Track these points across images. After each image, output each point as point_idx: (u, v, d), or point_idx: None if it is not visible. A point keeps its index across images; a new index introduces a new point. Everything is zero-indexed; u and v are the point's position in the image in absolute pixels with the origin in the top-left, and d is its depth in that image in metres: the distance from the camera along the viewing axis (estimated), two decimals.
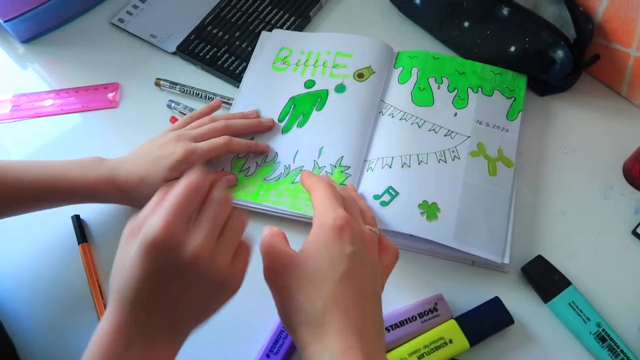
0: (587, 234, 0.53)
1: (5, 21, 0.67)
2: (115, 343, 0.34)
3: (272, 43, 0.65)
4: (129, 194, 0.52)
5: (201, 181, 0.36)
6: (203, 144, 0.53)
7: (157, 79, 0.65)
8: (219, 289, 0.36)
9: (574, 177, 0.57)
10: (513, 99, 0.59)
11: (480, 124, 0.58)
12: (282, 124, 0.59)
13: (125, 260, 0.35)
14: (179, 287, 0.35)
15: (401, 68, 0.62)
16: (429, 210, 0.52)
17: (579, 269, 0.51)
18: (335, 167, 0.56)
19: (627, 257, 0.52)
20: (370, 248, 0.41)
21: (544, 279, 0.49)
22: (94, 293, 0.52)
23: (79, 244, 0.55)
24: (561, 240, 0.53)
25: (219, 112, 0.60)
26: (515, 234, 0.53)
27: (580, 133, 0.59)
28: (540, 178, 0.57)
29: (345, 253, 0.39)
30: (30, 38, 0.71)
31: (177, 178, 0.40)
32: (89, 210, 0.57)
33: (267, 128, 0.59)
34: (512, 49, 0.59)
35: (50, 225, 0.56)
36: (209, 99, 0.64)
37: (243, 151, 0.57)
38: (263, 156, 0.57)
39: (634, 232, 0.53)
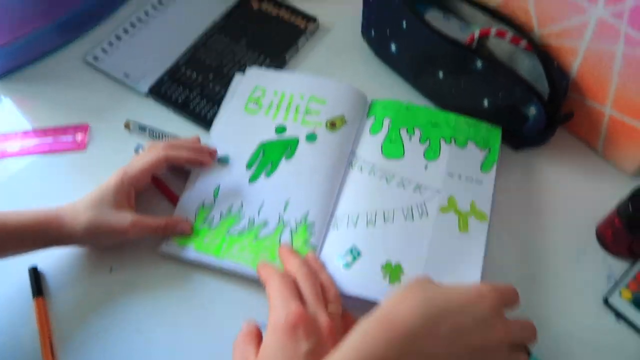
0: (557, 300, 0.51)
1: None
2: None
3: (246, 82, 0.64)
4: (80, 223, 0.50)
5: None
6: (137, 159, 0.54)
7: (127, 121, 0.64)
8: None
9: (546, 237, 0.55)
10: (488, 150, 0.58)
11: (452, 176, 0.56)
12: (250, 171, 0.58)
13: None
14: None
15: (373, 118, 0.61)
16: (392, 272, 0.50)
17: (545, 337, 0.49)
18: (300, 223, 0.54)
19: (597, 327, 0.50)
20: (330, 337, 0.40)
21: None
22: (43, 351, 0.50)
23: (33, 297, 0.53)
24: (528, 306, 0.51)
25: None
26: None
27: (555, 190, 0.58)
28: (511, 236, 0.55)
29: (301, 352, 0.38)
30: (2, 74, 0.70)
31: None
32: (48, 262, 0.55)
33: (202, 164, 0.58)
34: (485, 102, 0.57)
35: (6, 276, 0.55)
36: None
37: (182, 162, 0.56)
38: (228, 205, 0.56)
39: (606, 301, 0.51)
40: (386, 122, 0.60)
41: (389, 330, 0.36)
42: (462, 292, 0.39)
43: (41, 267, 0.55)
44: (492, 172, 0.57)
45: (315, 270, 0.47)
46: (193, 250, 0.54)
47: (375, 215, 0.54)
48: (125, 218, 0.51)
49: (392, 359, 0.35)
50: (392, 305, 0.38)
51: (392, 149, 0.58)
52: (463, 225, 0.53)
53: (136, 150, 0.62)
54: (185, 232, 0.54)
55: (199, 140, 0.60)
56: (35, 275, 0.54)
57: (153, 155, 0.54)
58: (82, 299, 0.54)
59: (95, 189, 0.53)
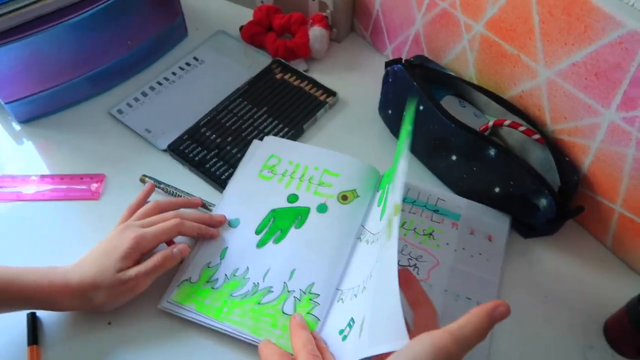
0: None
1: (6, 103, 0.69)
2: None
3: (262, 150, 0.66)
4: (85, 296, 0.50)
5: None
6: (152, 228, 0.54)
7: (143, 175, 0.65)
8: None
9: (552, 330, 0.54)
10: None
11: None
12: (259, 237, 0.58)
13: None
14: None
15: (381, 190, 0.62)
16: None
17: None
18: (304, 293, 0.54)
19: None
20: None
21: None
22: None
23: (28, 345, 0.52)
24: None
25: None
26: None
27: (562, 282, 0.57)
28: (517, 326, 0.54)
29: None
30: (28, 119, 0.72)
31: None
32: None
33: (219, 223, 0.59)
34: (497, 189, 0.59)
35: (4, 319, 0.54)
36: None
37: (194, 234, 0.57)
38: (233, 268, 0.56)
39: None
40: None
41: None
42: None
43: (40, 314, 0.54)
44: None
45: (320, 349, 0.47)
46: (193, 311, 0.53)
47: (370, 278, 0.53)
48: (126, 276, 0.51)
49: None
50: None
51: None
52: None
53: (142, 181, 0.65)
54: (183, 254, 0.54)
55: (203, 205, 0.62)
56: (33, 322, 0.53)
57: (168, 226, 0.55)
58: (77, 351, 0.52)
59: (104, 252, 0.52)
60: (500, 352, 0.52)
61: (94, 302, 0.51)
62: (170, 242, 0.59)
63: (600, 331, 0.54)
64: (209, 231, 0.58)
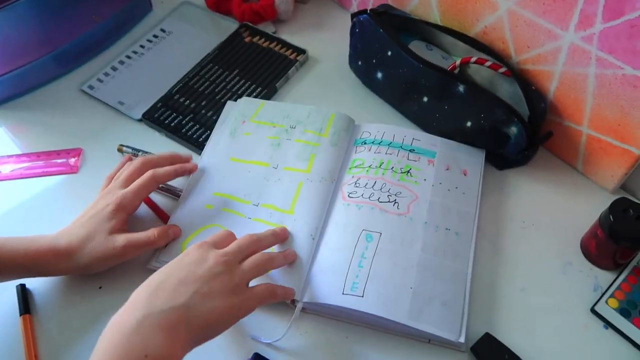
0: (546, 311, 0.52)
1: None
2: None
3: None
4: (73, 258, 0.51)
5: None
6: (131, 186, 0.55)
7: (120, 145, 0.65)
8: (231, 295, 0.44)
9: (532, 252, 0.56)
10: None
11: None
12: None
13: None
14: (199, 276, 0.43)
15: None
16: None
17: (536, 349, 0.49)
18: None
19: (585, 336, 0.51)
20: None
21: (494, 358, 0.48)
22: None
23: (20, 315, 0.52)
24: (518, 318, 0.52)
25: None
26: (472, 311, 0.51)
27: (538, 207, 0.59)
28: (498, 252, 0.56)
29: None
30: None
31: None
32: (36, 279, 0.55)
33: (190, 157, 0.61)
34: (469, 124, 0.60)
35: None
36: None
37: (171, 177, 0.58)
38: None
39: (593, 310, 0.52)
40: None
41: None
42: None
43: (29, 284, 0.55)
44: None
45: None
46: None
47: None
48: (117, 242, 0.52)
49: None
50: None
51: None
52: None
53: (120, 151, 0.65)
54: (177, 235, 0.55)
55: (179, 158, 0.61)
56: (23, 293, 0.53)
57: (144, 179, 0.55)
58: (70, 317, 0.53)
59: (90, 216, 0.53)
60: (482, 275, 0.54)
61: (82, 265, 0.51)
62: (155, 207, 0.60)
63: (578, 248, 0.56)
64: (185, 167, 0.58)
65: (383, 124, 0.64)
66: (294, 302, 0.51)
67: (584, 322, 0.51)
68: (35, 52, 0.70)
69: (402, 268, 0.52)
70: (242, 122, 0.65)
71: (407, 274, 0.52)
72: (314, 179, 0.59)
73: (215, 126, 0.66)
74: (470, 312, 0.51)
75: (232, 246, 0.48)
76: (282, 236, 0.53)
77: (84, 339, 0.51)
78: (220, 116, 0.66)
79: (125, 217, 0.54)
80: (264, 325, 0.52)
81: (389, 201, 0.57)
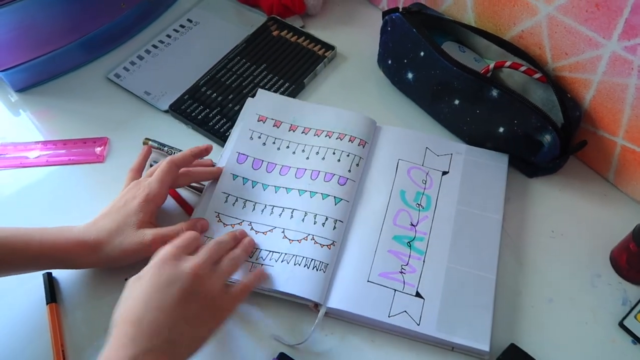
0: (573, 324, 0.52)
1: (1, 71, 0.68)
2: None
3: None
4: (101, 251, 0.51)
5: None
6: (154, 175, 0.55)
7: (146, 139, 0.65)
8: (211, 309, 0.44)
9: (560, 263, 0.56)
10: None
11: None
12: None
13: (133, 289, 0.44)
14: (176, 299, 0.43)
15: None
16: None
17: None
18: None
19: (613, 350, 0.50)
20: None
21: None
22: (55, 356, 0.49)
23: (47, 303, 0.52)
24: (545, 330, 0.51)
25: None
26: (498, 320, 0.51)
27: (567, 217, 0.59)
28: (526, 261, 0.56)
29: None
30: (24, 87, 0.71)
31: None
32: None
33: (205, 150, 0.59)
34: (501, 129, 0.59)
35: (21, 281, 0.54)
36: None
37: (189, 162, 0.57)
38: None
39: (621, 324, 0.51)
40: None
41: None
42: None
43: (56, 274, 0.55)
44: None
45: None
46: None
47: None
48: (146, 236, 0.51)
49: None
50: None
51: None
52: None
53: (151, 165, 0.63)
54: (205, 228, 0.55)
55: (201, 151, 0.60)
56: (50, 281, 0.54)
57: (163, 164, 0.55)
58: (96, 307, 0.53)
59: (117, 208, 0.53)
60: (510, 284, 0.54)
61: (110, 258, 0.51)
62: (182, 201, 0.59)
63: (607, 261, 0.55)
64: (199, 147, 0.58)
65: (402, 128, 0.63)
66: (317, 306, 0.51)
67: (612, 336, 0.51)
68: (63, 38, 0.70)
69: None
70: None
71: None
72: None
73: (236, 123, 0.65)
74: (495, 322, 0.51)
75: (202, 255, 0.47)
76: (240, 239, 0.53)
77: (110, 329, 0.51)
78: (241, 113, 0.66)
79: (153, 209, 0.53)
80: (287, 327, 0.52)
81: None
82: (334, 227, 0.55)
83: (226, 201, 0.57)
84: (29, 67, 0.69)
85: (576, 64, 0.56)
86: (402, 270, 0.53)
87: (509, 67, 0.61)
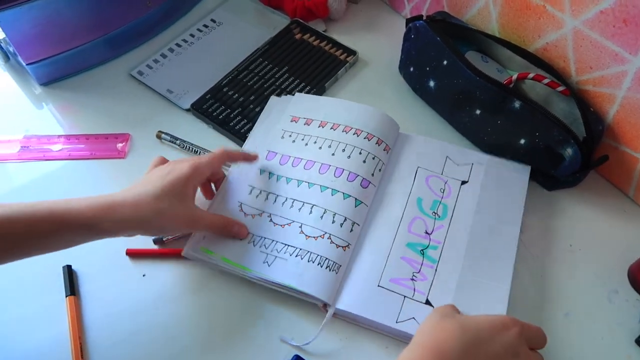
0: (589, 339, 0.51)
1: (27, 64, 0.69)
2: None
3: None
4: (140, 210, 0.48)
5: None
6: (205, 156, 0.55)
7: (159, 131, 0.66)
8: None
9: (578, 277, 0.55)
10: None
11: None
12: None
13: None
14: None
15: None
16: None
17: None
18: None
19: None
20: None
21: None
22: (73, 350, 0.50)
23: (66, 296, 0.53)
24: (561, 343, 0.51)
25: None
26: None
27: (586, 231, 0.58)
28: (543, 274, 0.56)
29: None
30: (49, 81, 0.72)
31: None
32: (82, 263, 0.56)
33: (253, 158, 0.60)
34: (522, 141, 0.59)
35: (41, 273, 0.55)
36: None
37: (239, 159, 0.59)
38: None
39: (638, 341, 0.51)
40: None
41: (438, 358, 0.41)
42: (489, 321, 0.44)
43: (75, 267, 0.55)
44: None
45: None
46: (220, 260, 0.54)
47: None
48: (191, 210, 0.51)
49: None
50: (435, 334, 0.43)
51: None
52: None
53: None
54: (241, 235, 0.55)
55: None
56: (70, 274, 0.54)
57: (217, 151, 0.56)
58: (114, 301, 0.54)
59: (161, 174, 0.51)
60: (525, 297, 0.54)
61: (145, 223, 0.48)
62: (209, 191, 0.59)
63: (625, 277, 0.55)
64: (250, 155, 0.60)
65: (424, 136, 0.64)
66: (325, 306, 0.51)
67: (627, 352, 0.51)
68: (88, 34, 0.71)
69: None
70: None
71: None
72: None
73: (257, 120, 0.65)
74: None
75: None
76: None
77: (127, 324, 0.52)
78: (263, 111, 0.66)
79: (197, 182, 0.53)
80: (295, 327, 0.52)
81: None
82: (351, 230, 0.55)
83: (250, 193, 0.58)
84: (53, 62, 0.70)
85: (601, 79, 0.56)
86: (414, 277, 0.53)
87: (532, 78, 0.61)
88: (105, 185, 0.63)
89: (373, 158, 0.60)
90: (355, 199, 0.57)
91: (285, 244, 0.54)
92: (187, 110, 0.69)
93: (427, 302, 0.51)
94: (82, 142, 0.66)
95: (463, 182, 0.60)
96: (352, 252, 0.54)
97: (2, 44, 0.72)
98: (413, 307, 0.51)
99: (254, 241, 0.55)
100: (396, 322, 0.50)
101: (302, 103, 0.66)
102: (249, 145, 0.63)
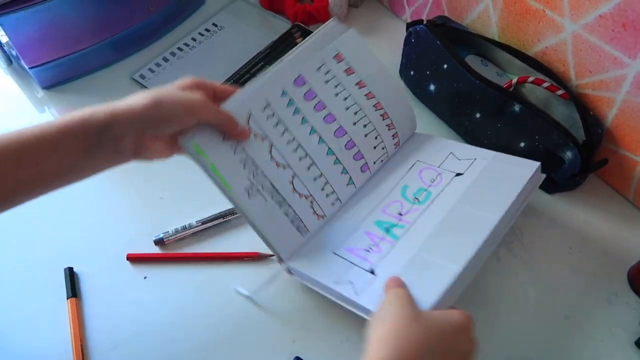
0: (589, 341, 0.51)
1: (30, 67, 0.69)
2: None
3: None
4: (140, 106, 0.44)
5: None
6: (213, 113, 0.48)
7: None
8: None
9: (578, 280, 0.55)
10: None
11: None
12: None
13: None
14: None
15: None
16: None
17: None
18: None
19: None
20: None
21: None
22: (75, 351, 0.50)
23: (68, 298, 0.53)
24: (560, 345, 0.51)
25: None
26: (512, 335, 0.51)
27: (585, 234, 0.59)
28: (543, 277, 0.56)
29: None
30: (51, 85, 0.73)
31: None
32: (83, 265, 0.56)
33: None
34: (522, 144, 0.59)
35: (42, 275, 0.55)
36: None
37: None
38: None
39: (637, 343, 0.51)
40: None
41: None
42: (452, 325, 0.42)
43: (76, 269, 0.56)
44: None
45: None
46: (208, 165, 0.49)
47: None
48: (194, 95, 0.46)
49: None
50: (399, 343, 0.40)
51: None
52: None
53: None
54: (244, 136, 0.50)
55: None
56: (71, 276, 0.54)
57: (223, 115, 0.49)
58: (115, 303, 0.54)
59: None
60: (524, 299, 0.54)
61: (162, 112, 0.45)
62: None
63: (625, 280, 0.55)
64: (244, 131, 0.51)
65: (432, 135, 0.63)
66: (282, 261, 0.52)
67: (627, 355, 0.51)
68: (91, 38, 0.71)
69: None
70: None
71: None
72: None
73: (306, 44, 0.56)
74: (510, 337, 0.51)
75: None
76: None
77: (128, 326, 0.52)
78: (318, 34, 0.57)
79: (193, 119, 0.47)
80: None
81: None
82: (333, 204, 0.55)
83: (264, 110, 0.53)
84: (56, 65, 0.71)
85: (600, 82, 0.57)
86: (369, 249, 0.52)
87: (532, 82, 0.61)
88: (106, 187, 0.63)
89: (382, 148, 0.59)
90: (350, 177, 0.56)
91: (273, 186, 0.52)
92: None
93: (371, 271, 0.50)
94: None
95: (458, 174, 0.56)
96: (324, 224, 0.54)
97: (5, 48, 0.72)
98: (355, 272, 0.50)
99: (245, 163, 0.51)
100: (334, 283, 0.49)
101: (352, 45, 0.58)
102: (292, 57, 0.55)
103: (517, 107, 0.59)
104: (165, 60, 0.75)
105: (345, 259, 0.51)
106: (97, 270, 0.56)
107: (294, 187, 0.53)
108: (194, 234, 0.58)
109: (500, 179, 0.55)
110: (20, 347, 0.51)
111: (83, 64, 0.73)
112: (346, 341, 0.52)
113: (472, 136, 0.65)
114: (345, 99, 0.57)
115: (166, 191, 0.62)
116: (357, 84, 0.58)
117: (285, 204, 0.52)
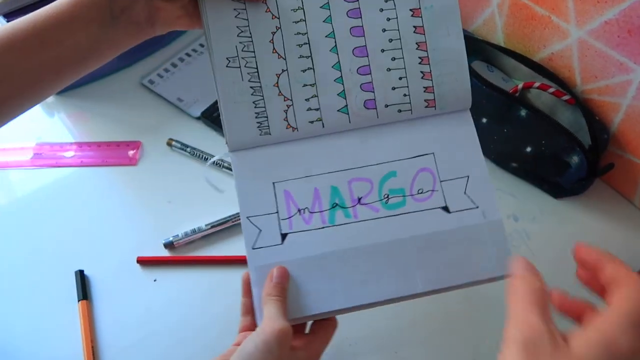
0: None
1: None
2: None
3: None
4: None
5: None
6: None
7: (170, 139, 0.67)
8: None
9: (584, 286, 0.56)
10: None
11: None
12: None
13: None
14: None
15: None
16: None
17: None
18: None
19: None
20: None
21: None
22: (86, 353, 0.50)
23: (79, 300, 0.54)
24: None
25: None
26: None
27: (591, 239, 0.59)
28: (550, 281, 0.56)
29: None
30: (61, 90, 0.73)
31: None
32: (94, 268, 0.56)
33: None
34: (528, 149, 0.60)
35: (53, 278, 0.56)
36: (217, 164, 0.65)
37: None
38: None
39: None
40: None
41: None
42: None
43: (87, 272, 0.56)
44: None
45: None
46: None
47: None
48: None
49: None
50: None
51: None
52: None
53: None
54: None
55: None
56: (82, 278, 0.55)
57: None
58: (126, 305, 0.54)
59: None
60: None
61: None
62: None
63: None
64: None
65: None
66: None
67: None
68: None
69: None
70: None
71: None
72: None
73: None
74: None
75: None
76: None
77: (138, 329, 0.53)
78: None
79: None
80: None
81: None
82: (312, 122, 0.46)
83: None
84: None
85: (606, 88, 0.57)
86: (302, 209, 0.45)
87: (538, 87, 0.62)
88: (116, 191, 0.64)
89: (405, 95, 0.47)
90: (347, 105, 0.46)
91: (256, 68, 0.46)
92: (198, 118, 0.70)
93: (283, 236, 0.44)
94: (94, 149, 0.67)
95: (444, 209, 0.46)
96: (291, 139, 0.46)
97: None
98: (270, 223, 0.44)
99: (241, 31, 0.46)
100: (247, 213, 0.44)
101: None
102: None
103: (523, 112, 0.59)
104: (174, 65, 0.76)
105: (275, 200, 0.45)
106: (108, 273, 0.56)
107: (277, 82, 0.46)
108: (203, 237, 0.59)
109: (464, 255, 0.45)
110: (32, 349, 0.52)
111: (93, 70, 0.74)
112: (354, 345, 0.52)
113: (479, 141, 0.66)
114: (389, 19, 0.47)
115: (175, 195, 0.63)
116: (411, 10, 0.47)
117: (260, 93, 0.46)
